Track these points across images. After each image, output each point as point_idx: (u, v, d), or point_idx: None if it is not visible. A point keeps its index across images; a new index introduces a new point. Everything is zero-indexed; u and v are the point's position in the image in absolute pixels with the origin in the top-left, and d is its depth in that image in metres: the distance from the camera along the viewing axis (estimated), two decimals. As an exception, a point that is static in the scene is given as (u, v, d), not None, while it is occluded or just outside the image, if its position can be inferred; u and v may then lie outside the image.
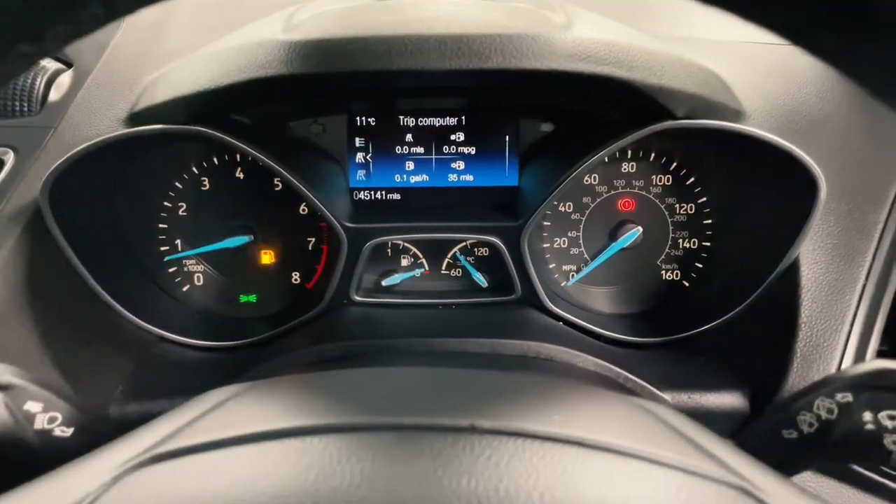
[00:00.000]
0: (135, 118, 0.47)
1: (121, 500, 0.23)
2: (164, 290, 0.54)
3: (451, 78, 0.40)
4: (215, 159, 0.53)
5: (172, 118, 0.46)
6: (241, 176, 0.54)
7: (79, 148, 0.43)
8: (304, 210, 0.55)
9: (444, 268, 0.56)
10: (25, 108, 0.46)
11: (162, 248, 0.55)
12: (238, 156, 0.53)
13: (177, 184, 0.54)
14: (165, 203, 0.54)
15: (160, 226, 0.54)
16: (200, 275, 0.56)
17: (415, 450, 0.24)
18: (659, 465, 0.25)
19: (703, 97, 0.45)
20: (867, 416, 0.31)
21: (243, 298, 0.56)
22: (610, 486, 0.24)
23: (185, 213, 0.54)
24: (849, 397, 0.32)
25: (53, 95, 0.48)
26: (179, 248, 0.55)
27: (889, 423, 0.31)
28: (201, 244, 0.54)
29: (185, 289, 0.55)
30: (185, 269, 0.55)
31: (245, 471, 0.24)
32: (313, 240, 0.55)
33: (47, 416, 0.34)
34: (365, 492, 0.22)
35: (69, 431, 0.35)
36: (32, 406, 0.34)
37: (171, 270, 0.55)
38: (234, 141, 0.44)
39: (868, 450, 0.31)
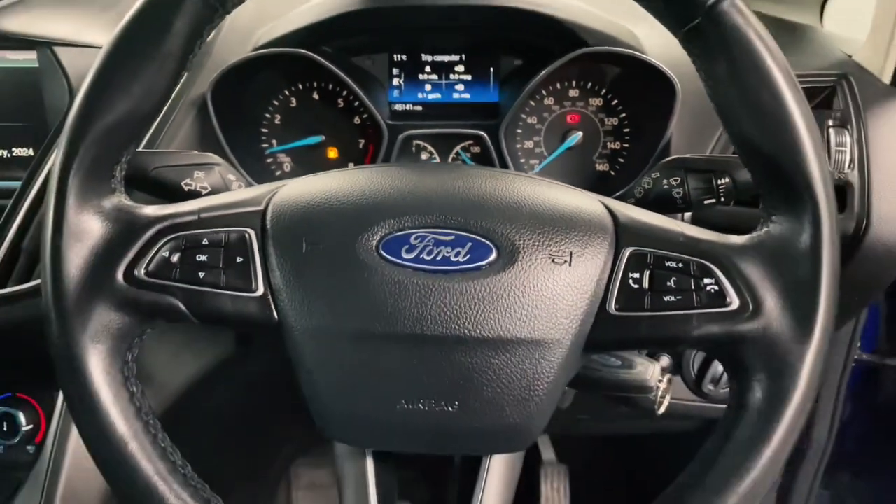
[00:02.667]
0: (256, 50, 0.75)
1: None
2: (263, 178, 0.82)
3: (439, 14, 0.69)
4: (300, 84, 0.81)
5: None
6: (316, 97, 0.82)
7: (228, 65, 0.72)
8: (357, 120, 0.82)
9: (449, 160, 0.83)
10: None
11: (263, 145, 0.83)
12: (315, 82, 0.81)
13: (274, 101, 0.81)
14: (266, 114, 0.82)
15: (262, 129, 0.82)
16: (287, 164, 0.84)
17: None
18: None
19: (600, 31, 0.72)
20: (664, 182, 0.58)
21: (315, 181, 0.84)
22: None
23: (278, 123, 0.82)
24: (656, 174, 0.59)
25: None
26: (275, 145, 0.83)
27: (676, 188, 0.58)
28: (289, 143, 0.82)
29: (277, 174, 0.83)
30: (278, 160, 0.83)
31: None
32: (363, 141, 0.83)
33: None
34: None
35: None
36: (231, 177, 0.61)
37: (268, 162, 0.83)
38: (325, 62, 0.72)
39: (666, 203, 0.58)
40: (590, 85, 0.81)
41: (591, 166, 0.83)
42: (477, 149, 0.82)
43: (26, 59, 0.67)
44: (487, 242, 0.44)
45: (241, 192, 0.49)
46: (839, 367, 0.88)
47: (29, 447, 0.65)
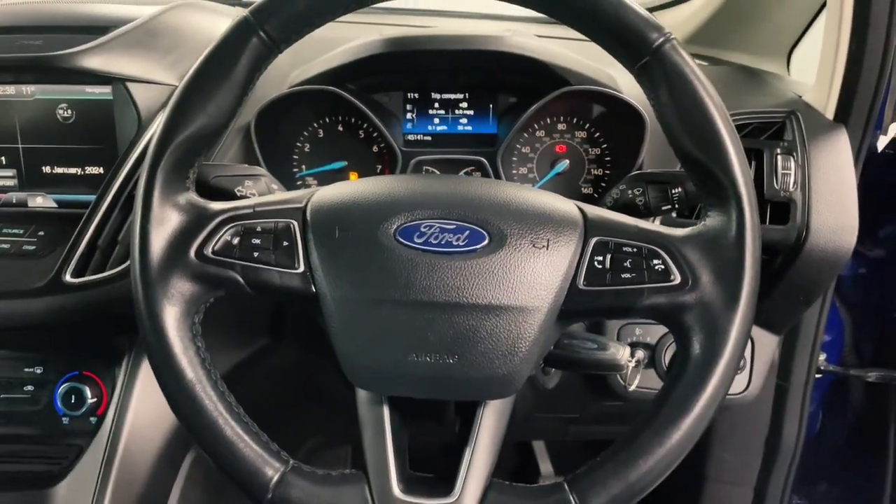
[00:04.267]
0: (292, 87, 0.88)
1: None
2: None
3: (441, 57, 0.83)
4: (327, 118, 0.94)
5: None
6: (341, 128, 0.95)
7: (268, 100, 0.85)
8: (375, 149, 0.95)
9: (454, 184, 0.95)
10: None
11: (294, 169, 0.95)
12: (340, 116, 0.94)
13: (304, 132, 0.94)
14: (297, 143, 0.95)
15: (294, 156, 0.95)
16: (314, 186, 0.96)
17: None
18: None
19: (582, 73, 0.86)
20: (629, 192, 0.70)
21: (338, 201, 0.96)
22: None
23: (307, 150, 0.95)
24: (623, 186, 0.71)
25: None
26: (304, 170, 0.96)
27: (638, 197, 0.70)
28: (316, 168, 0.95)
29: (304, 195, 0.96)
30: (306, 182, 0.96)
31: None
32: (380, 166, 0.95)
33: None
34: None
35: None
36: (274, 186, 0.73)
37: (297, 184, 0.96)
38: (351, 98, 0.85)
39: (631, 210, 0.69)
40: (575, 120, 0.94)
41: (577, 190, 0.95)
42: (478, 173, 0.94)
43: (101, 92, 0.80)
44: (482, 231, 0.56)
45: (286, 194, 0.61)
46: (803, 371, 0.99)
47: (91, 418, 0.75)
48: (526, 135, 0.93)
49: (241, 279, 0.56)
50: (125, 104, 0.79)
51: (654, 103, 0.56)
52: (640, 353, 0.79)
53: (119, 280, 0.71)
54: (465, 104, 0.94)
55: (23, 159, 0.82)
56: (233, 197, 0.69)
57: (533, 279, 0.55)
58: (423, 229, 0.56)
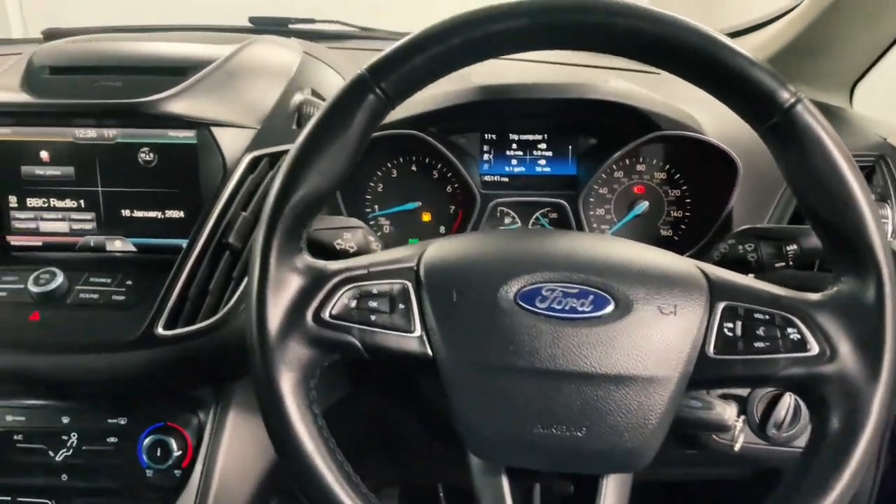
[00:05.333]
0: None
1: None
2: None
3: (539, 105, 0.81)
4: (400, 158, 0.93)
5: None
6: (414, 168, 0.93)
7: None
8: (449, 189, 0.93)
9: (529, 224, 0.94)
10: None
11: (367, 210, 0.94)
12: (414, 156, 0.93)
13: (378, 172, 0.93)
14: (370, 183, 0.93)
15: (367, 196, 0.94)
16: (387, 226, 0.95)
17: None
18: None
19: (673, 118, 0.84)
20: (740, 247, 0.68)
21: (410, 241, 0.95)
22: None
23: (381, 190, 0.94)
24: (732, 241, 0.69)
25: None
26: (377, 210, 0.94)
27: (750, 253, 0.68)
28: (389, 208, 0.94)
29: (378, 235, 0.94)
30: (378, 223, 0.95)
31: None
32: (453, 207, 0.94)
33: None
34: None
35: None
36: (371, 238, 0.71)
37: (370, 225, 0.94)
38: (433, 141, 0.84)
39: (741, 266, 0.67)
40: (655, 160, 0.92)
41: (655, 231, 0.93)
42: (555, 215, 0.93)
43: (185, 136, 0.79)
44: (606, 295, 0.54)
45: (396, 252, 0.59)
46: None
47: (176, 471, 0.74)
48: (604, 175, 0.91)
49: (358, 343, 0.54)
50: (209, 148, 0.78)
51: (782, 164, 0.54)
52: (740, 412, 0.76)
53: (210, 333, 0.69)
54: (543, 145, 0.92)
55: (102, 202, 0.81)
56: (332, 250, 0.68)
57: (662, 347, 0.53)
58: (544, 293, 0.54)
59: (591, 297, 0.54)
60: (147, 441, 0.73)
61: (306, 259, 0.56)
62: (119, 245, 0.82)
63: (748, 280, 0.56)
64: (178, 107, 0.77)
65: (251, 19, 1.33)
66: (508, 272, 0.55)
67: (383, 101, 0.55)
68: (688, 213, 0.92)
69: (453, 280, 0.55)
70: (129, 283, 0.73)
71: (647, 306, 0.53)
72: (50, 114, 0.77)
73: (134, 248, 0.82)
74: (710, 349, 0.53)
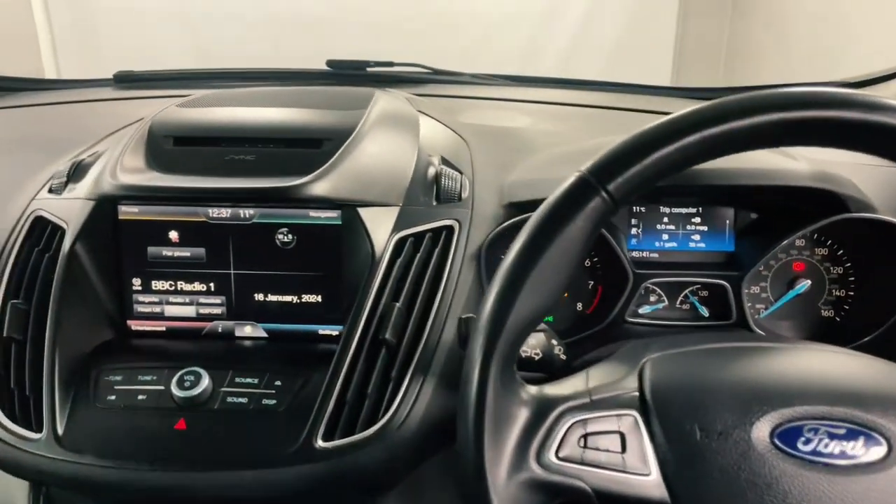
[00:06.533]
0: (508, 207, 0.80)
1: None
2: None
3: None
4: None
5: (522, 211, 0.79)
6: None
7: (503, 225, 0.77)
8: (587, 263, 0.87)
9: (677, 303, 0.86)
10: (456, 198, 0.80)
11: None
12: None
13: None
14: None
15: (500, 271, 0.87)
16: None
17: None
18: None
19: (858, 198, 0.77)
20: None
21: (546, 319, 0.88)
22: None
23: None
24: None
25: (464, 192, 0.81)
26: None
27: None
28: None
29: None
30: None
31: None
32: (592, 282, 0.87)
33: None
34: None
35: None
36: (554, 342, 0.64)
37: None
38: None
39: None
40: (816, 236, 0.84)
41: (816, 312, 0.86)
42: (705, 293, 0.85)
43: (328, 217, 0.72)
44: (877, 436, 0.46)
45: (610, 370, 0.52)
46: None
47: None
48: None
49: (588, 488, 0.47)
50: (355, 230, 0.72)
51: None
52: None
53: (371, 444, 0.62)
54: (697, 219, 0.85)
55: (234, 286, 0.75)
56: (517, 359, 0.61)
57: None
58: (806, 433, 0.47)
59: (861, 438, 0.46)
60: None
61: (528, 389, 0.50)
62: (249, 331, 0.75)
63: None
64: (325, 188, 0.71)
65: (329, 62, 1.28)
66: (760, 403, 0.48)
67: (609, 205, 0.48)
68: (851, 292, 0.85)
69: (692, 412, 0.48)
70: (278, 383, 0.66)
71: None
72: (185, 197, 0.72)
73: (265, 334, 0.75)
74: None
